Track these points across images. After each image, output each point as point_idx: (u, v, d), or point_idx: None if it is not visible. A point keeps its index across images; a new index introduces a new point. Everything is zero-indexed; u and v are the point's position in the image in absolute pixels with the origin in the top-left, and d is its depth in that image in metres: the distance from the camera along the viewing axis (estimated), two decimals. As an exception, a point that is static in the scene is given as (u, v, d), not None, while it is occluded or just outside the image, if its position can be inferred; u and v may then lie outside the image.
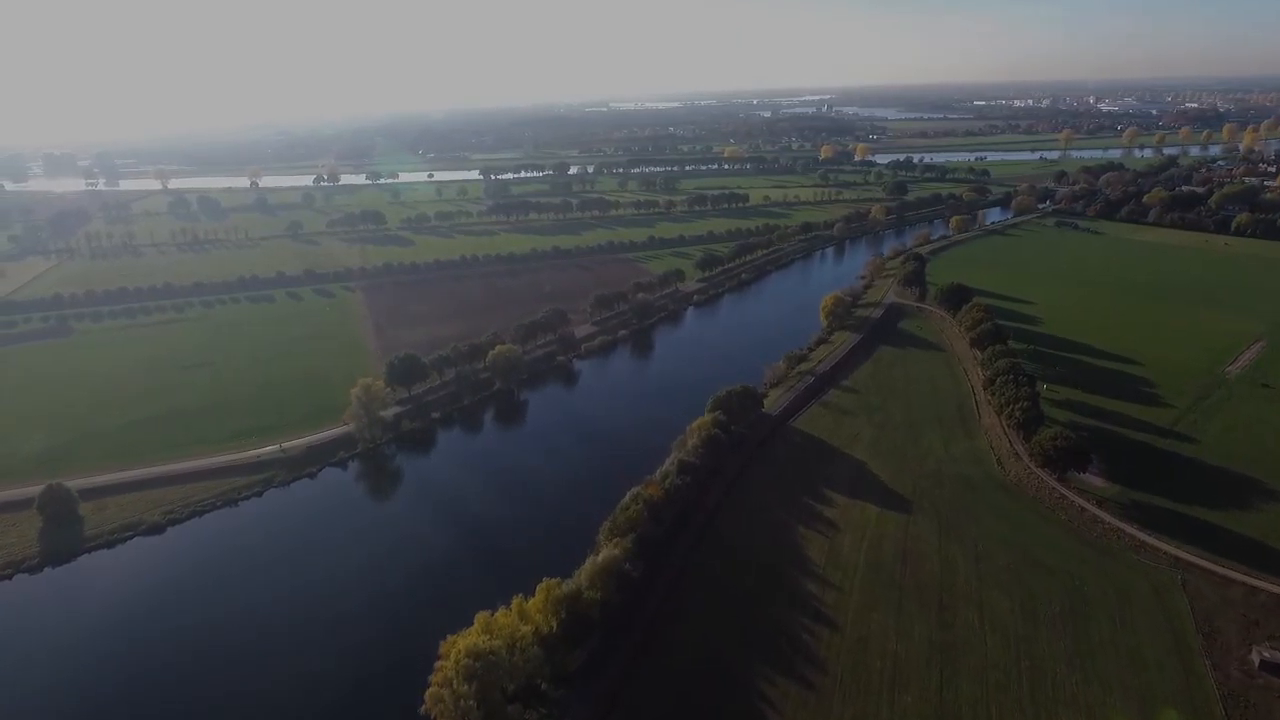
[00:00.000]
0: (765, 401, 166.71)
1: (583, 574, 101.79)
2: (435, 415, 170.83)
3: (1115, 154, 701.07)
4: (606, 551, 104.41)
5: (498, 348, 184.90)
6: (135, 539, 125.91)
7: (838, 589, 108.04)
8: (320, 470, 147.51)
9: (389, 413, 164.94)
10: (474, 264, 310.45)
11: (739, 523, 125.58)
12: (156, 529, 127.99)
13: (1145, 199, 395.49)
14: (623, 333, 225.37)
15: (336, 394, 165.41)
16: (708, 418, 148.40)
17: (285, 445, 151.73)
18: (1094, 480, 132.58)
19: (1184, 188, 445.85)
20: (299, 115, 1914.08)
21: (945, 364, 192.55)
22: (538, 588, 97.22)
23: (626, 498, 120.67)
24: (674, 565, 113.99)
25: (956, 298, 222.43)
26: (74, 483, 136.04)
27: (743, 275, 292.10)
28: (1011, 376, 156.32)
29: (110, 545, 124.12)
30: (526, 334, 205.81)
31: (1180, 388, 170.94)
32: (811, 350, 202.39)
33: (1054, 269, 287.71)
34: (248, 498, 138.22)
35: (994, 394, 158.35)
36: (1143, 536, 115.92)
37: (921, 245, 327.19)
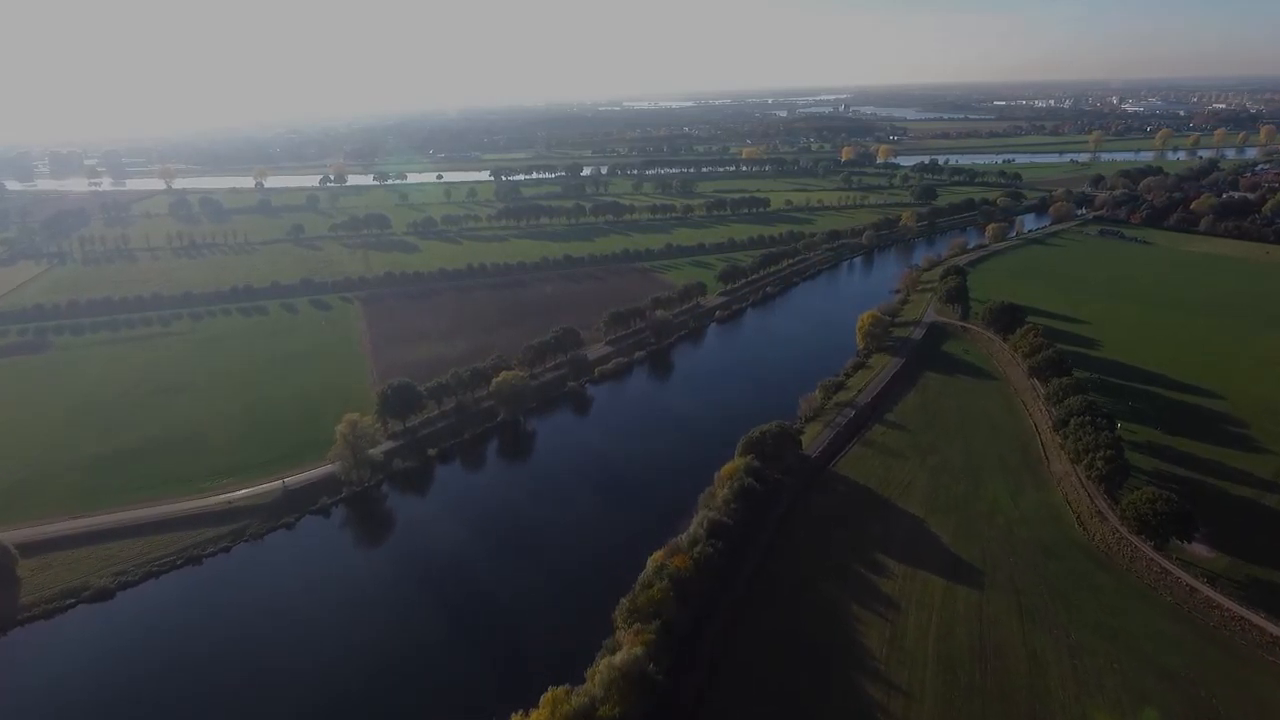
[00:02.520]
0: (802, 439, 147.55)
1: (596, 678, 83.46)
2: (431, 452, 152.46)
3: (1147, 156, 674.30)
4: (625, 650, 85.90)
5: (502, 374, 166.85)
6: (79, 607, 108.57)
7: (906, 694, 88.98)
8: (299, 520, 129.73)
9: (380, 449, 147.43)
10: (481, 274, 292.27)
11: (779, 599, 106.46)
12: (104, 595, 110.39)
13: (1193, 206, 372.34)
14: (640, 354, 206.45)
15: (325, 425, 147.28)
16: (739, 463, 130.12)
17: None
18: (1198, 549, 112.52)
19: (1231, 194, 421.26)
20: (313, 114, 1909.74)
21: (1000, 395, 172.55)
22: (542, 699, 79.60)
23: (649, 569, 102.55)
24: (704, 657, 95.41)
25: (1007, 318, 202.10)
26: (18, 534, 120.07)
27: (768, 288, 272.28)
28: (1088, 418, 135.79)
29: (48, 615, 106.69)
30: (535, 356, 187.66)
31: (1276, 429, 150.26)
32: (849, 376, 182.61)
33: (1105, 283, 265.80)
34: (214, 554, 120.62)
35: (1067, 437, 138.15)
36: (1275, 630, 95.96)
37: (957, 255, 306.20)
